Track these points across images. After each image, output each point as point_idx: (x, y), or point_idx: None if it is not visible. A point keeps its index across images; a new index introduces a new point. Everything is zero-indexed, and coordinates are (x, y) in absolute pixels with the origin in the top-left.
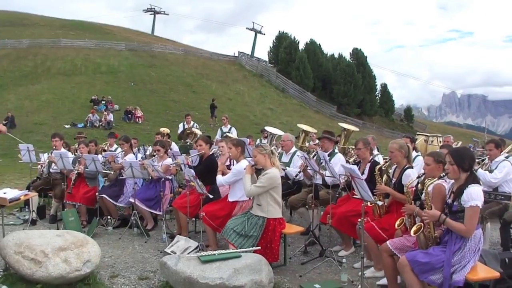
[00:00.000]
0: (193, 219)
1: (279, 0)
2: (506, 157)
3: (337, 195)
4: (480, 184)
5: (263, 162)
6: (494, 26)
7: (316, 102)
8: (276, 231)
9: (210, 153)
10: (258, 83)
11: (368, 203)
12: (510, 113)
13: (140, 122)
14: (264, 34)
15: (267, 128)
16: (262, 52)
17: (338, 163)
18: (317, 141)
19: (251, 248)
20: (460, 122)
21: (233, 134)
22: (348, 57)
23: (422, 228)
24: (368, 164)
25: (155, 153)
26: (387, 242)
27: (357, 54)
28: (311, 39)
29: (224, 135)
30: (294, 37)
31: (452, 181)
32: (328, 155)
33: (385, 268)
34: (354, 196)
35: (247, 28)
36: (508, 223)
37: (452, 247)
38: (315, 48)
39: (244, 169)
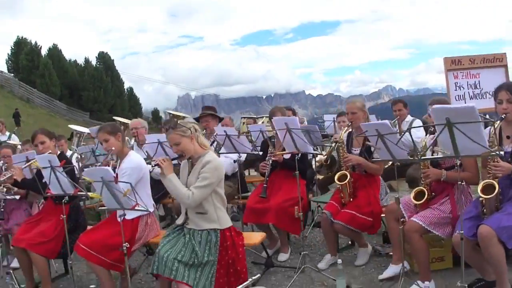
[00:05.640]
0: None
1: (6, 7)
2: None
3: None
4: None
5: (191, 148)
6: (222, 31)
7: (67, 111)
8: (238, 246)
9: None
10: (1, 95)
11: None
12: (241, 109)
13: None
14: None
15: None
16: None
17: None
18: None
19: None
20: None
21: (16, 141)
22: (94, 62)
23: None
24: None
25: None
26: (416, 219)
27: (104, 57)
28: (54, 44)
29: (4, 143)
30: (36, 42)
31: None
32: None
33: (419, 253)
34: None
35: None
36: None
37: None
38: (59, 54)
39: (154, 165)
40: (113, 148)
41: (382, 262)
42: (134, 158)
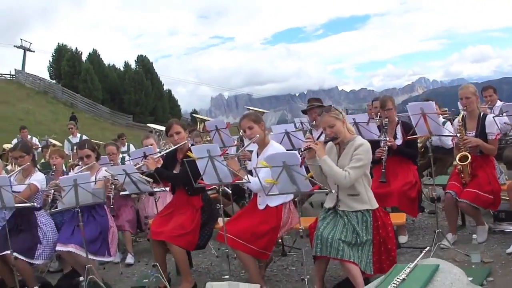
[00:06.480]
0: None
1: (40, 17)
2: None
3: None
4: None
5: (343, 131)
6: (252, 31)
7: (110, 114)
8: (387, 225)
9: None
10: (45, 101)
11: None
12: (275, 107)
13: None
14: (34, 52)
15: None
16: (39, 69)
17: None
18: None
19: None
20: (231, 122)
21: None
22: (133, 65)
23: None
24: (398, 126)
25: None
26: None
27: (143, 61)
28: (93, 49)
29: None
30: (76, 48)
31: None
32: None
33: None
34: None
35: (15, 46)
36: None
37: None
38: (98, 59)
39: (302, 150)
40: (258, 136)
41: (500, 238)
42: (278, 146)
